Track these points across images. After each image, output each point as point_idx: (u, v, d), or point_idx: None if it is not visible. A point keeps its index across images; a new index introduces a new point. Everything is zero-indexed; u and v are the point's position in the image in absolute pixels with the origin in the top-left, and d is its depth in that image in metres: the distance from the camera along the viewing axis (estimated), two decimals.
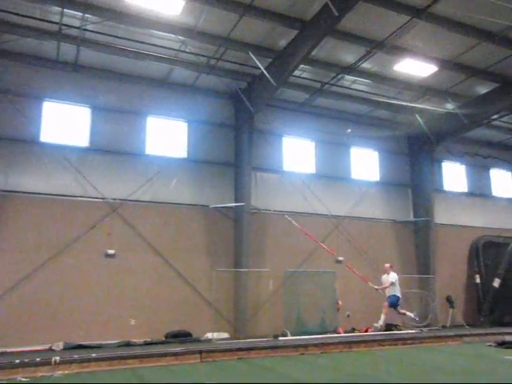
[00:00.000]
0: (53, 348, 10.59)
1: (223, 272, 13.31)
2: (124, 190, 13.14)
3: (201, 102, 14.75)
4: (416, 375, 8.07)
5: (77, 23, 11.12)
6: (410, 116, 16.41)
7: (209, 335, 12.41)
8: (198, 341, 12.10)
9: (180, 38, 11.91)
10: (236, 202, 14.35)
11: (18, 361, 8.38)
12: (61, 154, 12.57)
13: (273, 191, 15.33)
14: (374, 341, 11.47)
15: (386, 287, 13.37)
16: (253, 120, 14.54)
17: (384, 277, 13.59)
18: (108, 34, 11.74)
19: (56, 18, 11.00)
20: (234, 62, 13.32)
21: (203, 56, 12.85)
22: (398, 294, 13.34)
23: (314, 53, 12.26)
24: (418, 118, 16.06)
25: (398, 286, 13.40)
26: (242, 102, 14.14)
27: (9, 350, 10.14)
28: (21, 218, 11.92)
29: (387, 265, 13.70)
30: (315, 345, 10.73)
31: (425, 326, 14.43)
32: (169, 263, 13.28)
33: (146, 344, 11.49)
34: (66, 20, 10.89)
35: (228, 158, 14.83)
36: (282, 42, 12.46)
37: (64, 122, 13.03)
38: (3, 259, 11.54)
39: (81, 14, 10.77)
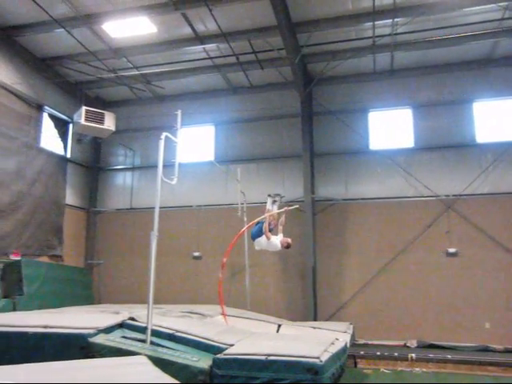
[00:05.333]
0: (407, 345, 11.00)
1: None
2: (456, 185, 12.49)
3: None
4: None
5: (387, 31, 11.47)
6: None
7: None
8: None
9: (501, 4, 10.47)
10: None
11: (378, 353, 9.16)
12: (389, 159, 13.13)
13: None
14: None
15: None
16: None
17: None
18: (418, 30, 11.58)
19: (368, 33, 11.69)
20: None
21: None
22: None
23: None
24: None
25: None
26: None
27: (369, 342, 11.21)
28: (362, 223, 13.10)
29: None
30: None
31: None
32: None
33: (508, 351, 10.36)
34: (377, 31, 11.40)
35: None
36: None
37: (388, 127, 13.62)
38: (353, 262, 12.94)
39: (390, 20, 11.07)
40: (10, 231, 11.91)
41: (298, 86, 13.18)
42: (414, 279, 12.35)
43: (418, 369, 8.65)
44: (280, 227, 8.85)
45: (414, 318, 12.04)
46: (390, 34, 11.50)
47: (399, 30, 11.46)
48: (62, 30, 11.37)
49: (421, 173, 12.85)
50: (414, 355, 8.96)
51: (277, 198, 9.08)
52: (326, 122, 13.86)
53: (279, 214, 8.90)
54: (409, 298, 12.24)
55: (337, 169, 13.61)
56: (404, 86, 13.49)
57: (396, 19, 11.02)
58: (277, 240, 8.50)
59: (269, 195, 9.13)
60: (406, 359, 8.94)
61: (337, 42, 12.12)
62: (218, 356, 5.86)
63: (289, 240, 8.56)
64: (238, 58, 12.52)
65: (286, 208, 8.92)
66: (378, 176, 13.28)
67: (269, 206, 8.98)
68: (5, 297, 10.81)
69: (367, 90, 13.76)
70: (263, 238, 8.44)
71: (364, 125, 13.69)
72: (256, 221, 8.75)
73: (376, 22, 11.06)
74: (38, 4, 10.33)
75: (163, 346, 6.17)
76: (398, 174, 13.04)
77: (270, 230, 8.63)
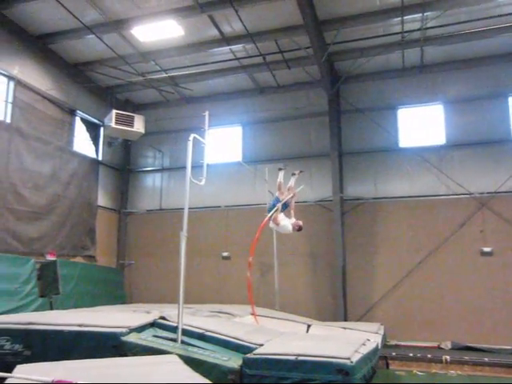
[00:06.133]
0: (441, 346, 10.72)
1: None
2: (491, 183, 12.09)
3: None
4: None
5: (417, 25, 11.23)
6: None
7: None
8: None
9: None
10: None
11: (411, 354, 8.97)
12: (419, 156, 12.84)
13: None
14: None
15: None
16: None
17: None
18: (449, 23, 11.26)
19: (397, 29, 11.47)
20: None
21: None
22: None
23: None
24: None
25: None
26: None
27: (401, 343, 10.99)
28: (392, 222, 12.87)
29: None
30: None
31: None
32: None
33: None
34: (406, 26, 11.18)
35: None
36: None
37: (418, 124, 13.32)
38: (383, 261, 12.73)
39: (420, 14, 10.83)
40: (46, 232, 12.30)
41: (326, 85, 13.08)
42: (447, 279, 12.05)
43: (452, 371, 8.42)
44: (291, 211, 8.95)
45: (447, 319, 11.74)
46: (419, 29, 11.25)
47: (429, 24, 11.19)
48: (93, 36, 11.67)
49: (453, 170, 12.53)
50: (448, 357, 8.70)
51: (296, 172, 9.18)
52: (354, 120, 13.69)
53: (291, 198, 9.00)
54: (442, 298, 11.94)
55: (366, 167, 13.43)
56: (435, 82, 13.17)
57: (426, 13, 10.78)
58: (288, 223, 8.62)
59: (279, 169, 9.18)
60: (440, 361, 8.70)
61: (364, 38, 11.93)
62: (248, 356, 5.89)
63: (300, 223, 8.66)
64: (264, 58, 12.52)
65: (294, 192, 9.01)
66: (408, 174, 13.02)
67: (280, 179, 9.01)
68: (42, 296, 11.18)
69: (396, 86, 13.50)
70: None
71: (393, 122, 13.44)
72: (271, 213, 8.80)
73: (405, 17, 10.83)
74: (70, 12, 10.62)
75: (194, 346, 6.25)
76: (429, 171, 12.75)
77: (286, 207, 8.78)
